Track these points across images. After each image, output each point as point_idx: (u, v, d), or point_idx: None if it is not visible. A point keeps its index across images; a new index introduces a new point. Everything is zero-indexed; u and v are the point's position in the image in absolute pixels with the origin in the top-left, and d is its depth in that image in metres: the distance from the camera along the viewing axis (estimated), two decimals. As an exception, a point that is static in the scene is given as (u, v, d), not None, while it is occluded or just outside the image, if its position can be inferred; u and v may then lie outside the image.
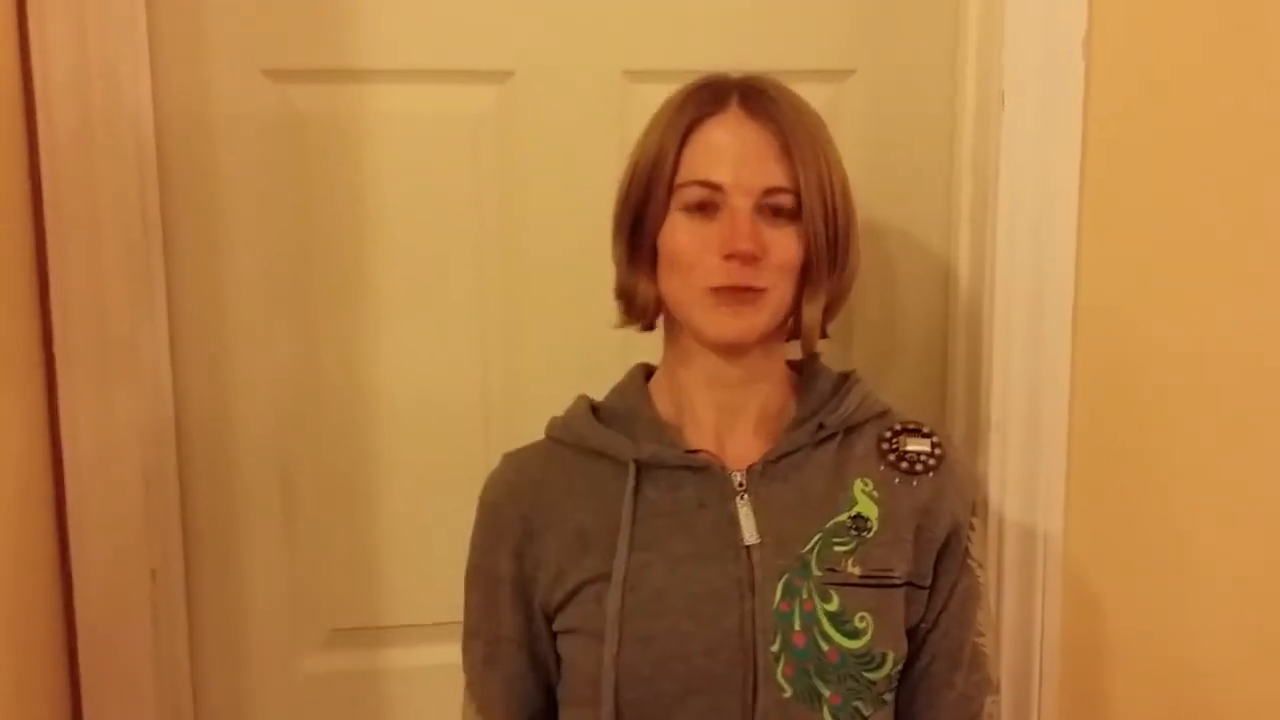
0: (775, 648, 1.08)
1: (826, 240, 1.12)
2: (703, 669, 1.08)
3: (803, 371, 1.22)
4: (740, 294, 1.09)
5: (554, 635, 1.17)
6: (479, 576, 1.19)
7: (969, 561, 1.16)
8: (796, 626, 1.08)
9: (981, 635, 1.16)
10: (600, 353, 1.36)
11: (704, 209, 1.10)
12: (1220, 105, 1.39)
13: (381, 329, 1.41)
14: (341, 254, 1.40)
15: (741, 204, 1.09)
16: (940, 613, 1.15)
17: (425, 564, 1.43)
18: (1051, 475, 1.41)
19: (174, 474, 1.37)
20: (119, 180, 1.28)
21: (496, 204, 1.41)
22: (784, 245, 1.11)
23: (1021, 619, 1.43)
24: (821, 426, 1.15)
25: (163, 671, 1.37)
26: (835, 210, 1.13)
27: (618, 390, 1.22)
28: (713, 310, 1.10)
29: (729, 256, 1.08)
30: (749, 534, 1.11)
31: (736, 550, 1.11)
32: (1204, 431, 1.43)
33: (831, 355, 1.46)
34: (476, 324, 1.43)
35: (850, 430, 1.16)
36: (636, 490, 1.13)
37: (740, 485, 1.13)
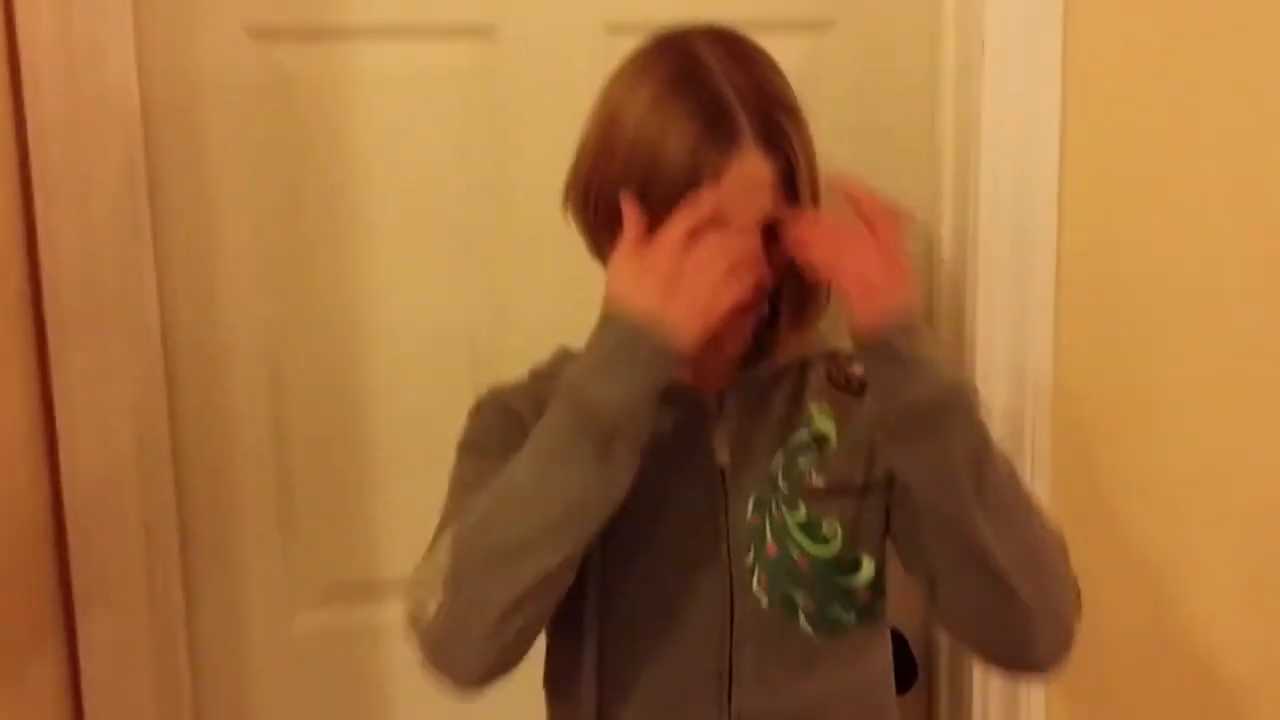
0: (750, 560, 1.13)
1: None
2: (683, 582, 1.14)
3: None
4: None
5: None
6: (475, 449, 1.17)
7: None
8: (768, 538, 1.14)
9: None
10: (586, 304, 1.37)
11: None
12: (1201, 47, 1.39)
13: (371, 283, 1.42)
14: (329, 211, 1.41)
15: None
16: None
17: (420, 516, 1.43)
18: (1037, 428, 1.43)
19: (166, 428, 1.38)
20: (105, 138, 1.29)
21: (482, 157, 1.42)
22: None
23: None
24: (778, 360, 1.18)
25: (158, 627, 1.38)
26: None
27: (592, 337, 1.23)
28: None
29: None
30: (721, 455, 1.15)
31: (710, 471, 1.15)
32: (1195, 376, 1.44)
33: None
34: (465, 276, 1.44)
35: (805, 364, 1.20)
36: None
37: (711, 410, 1.17)
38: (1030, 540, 1.03)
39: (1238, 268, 1.42)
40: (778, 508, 1.14)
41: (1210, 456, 1.45)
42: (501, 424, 1.17)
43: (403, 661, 1.45)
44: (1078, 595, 1.09)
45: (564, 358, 1.22)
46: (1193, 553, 1.47)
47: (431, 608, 1.02)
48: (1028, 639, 1.04)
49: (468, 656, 1.03)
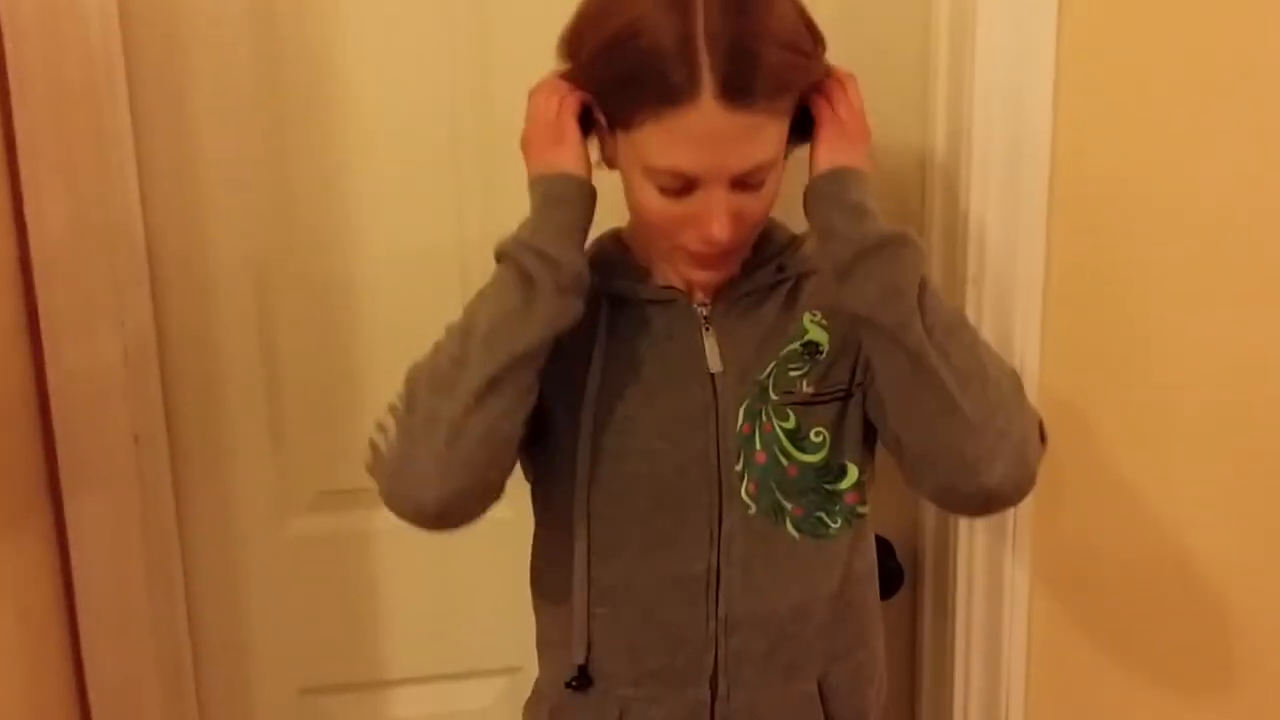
0: (739, 467, 1.15)
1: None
2: (673, 486, 1.15)
3: (771, 224, 1.22)
4: (717, 258, 1.12)
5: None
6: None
7: None
8: (758, 446, 1.15)
9: None
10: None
11: (678, 190, 1.07)
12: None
13: (358, 192, 1.41)
14: (313, 119, 1.38)
15: (718, 191, 1.05)
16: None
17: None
18: (1027, 329, 1.42)
19: (152, 337, 1.38)
20: (84, 51, 1.27)
21: (468, 57, 1.39)
22: (757, 205, 1.10)
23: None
24: (781, 269, 1.19)
25: (150, 536, 1.39)
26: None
27: (594, 240, 1.22)
28: (688, 265, 1.13)
29: (707, 242, 1.08)
30: (713, 363, 1.16)
31: (702, 378, 1.16)
32: (1181, 284, 1.43)
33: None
34: (453, 183, 1.42)
35: (803, 276, 1.19)
36: (610, 323, 1.17)
37: (705, 318, 1.17)
38: (974, 363, 1.07)
39: (1238, 161, 1.41)
40: (767, 416, 1.15)
41: (1208, 349, 1.45)
42: None
43: (394, 566, 1.48)
44: (1039, 429, 1.11)
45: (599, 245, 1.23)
46: (1185, 443, 1.48)
47: (387, 442, 1.07)
48: (977, 460, 1.04)
49: (423, 480, 1.05)
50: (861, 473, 1.19)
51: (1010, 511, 1.45)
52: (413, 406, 1.07)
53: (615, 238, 1.23)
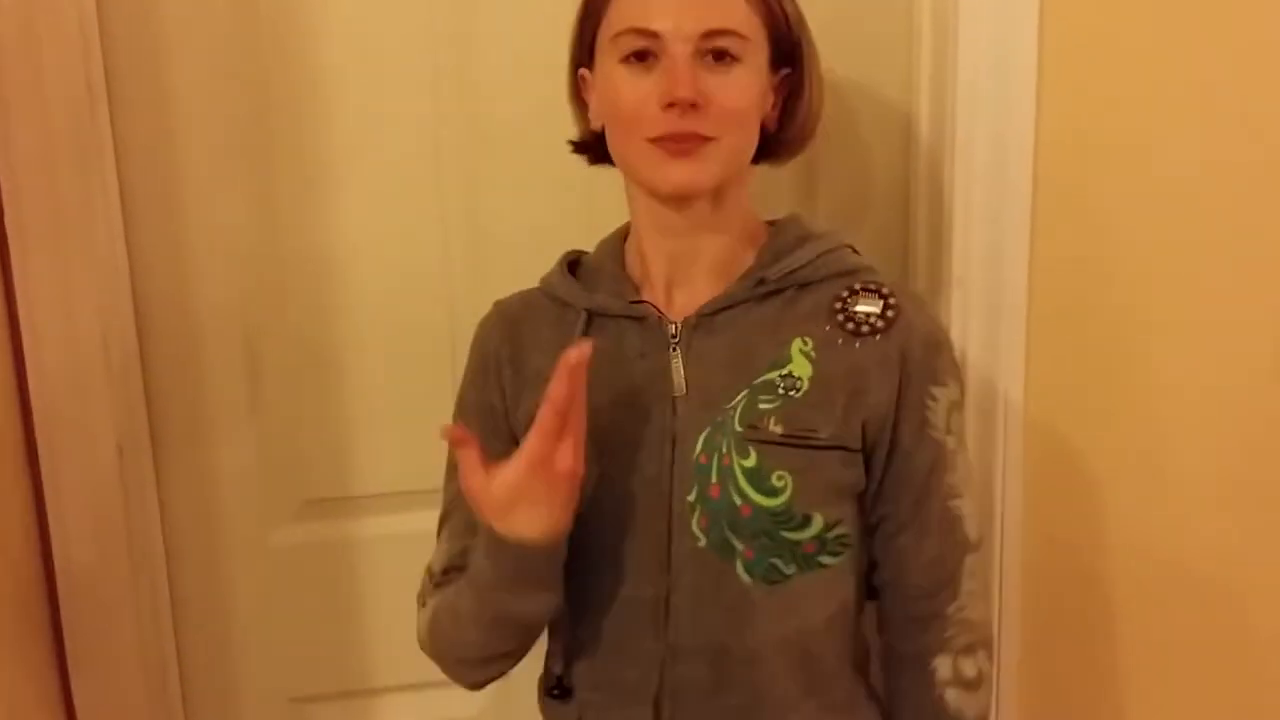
0: (691, 498, 1.10)
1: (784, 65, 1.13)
2: (625, 511, 1.13)
3: (777, 229, 1.20)
4: (682, 142, 1.06)
5: None
6: (464, 406, 1.23)
7: (929, 432, 1.12)
8: (713, 479, 1.10)
9: (957, 497, 1.14)
10: (564, 211, 1.36)
11: (643, 58, 1.07)
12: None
13: (339, 192, 1.40)
14: (294, 117, 1.38)
15: (680, 50, 1.05)
16: (901, 485, 1.13)
17: (394, 432, 1.44)
18: (1013, 329, 1.42)
19: (135, 347, 1.37)
20: (63, 42, 1.26)
21: (452, 64, 1.39)
22: (730, 90, 1.07)
23: (983, 473, 1.44)
24: (762, 281, 1.13)
25: (135, 547, 1.38)
26: (788, 38, 1.12)
27: (600, 243, 1.24)
28: (657, 162, 1.08)
29: (668, 106, 1.05)
30: (678, 385, 1.13)
31: (665, 400, 1.13)
32: (1167, 278, 1.43)
33: (791, 207, 1.47)
34: (435, 187, 1.42)
35: (805, 287, 1.14)
36: (585, 337, 1.15)
37: (674, 337, 1.14)
38: None
39: (1223, 158, 1.41)
40: (727, 449, 1.10)
41: (1192, 346, 1.45)
42: (482, 367, 1.22)
43: (379, 574, 1.48)
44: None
45: (562, 260, 1.23)
46: (1171, 438, 1.48)
47: (427, 652, 1.21)
48: None
49: (469, 685, 1.22)
50: (830, 525, 1.11)
51: (999, 507, 1.45)
52: (438, 661, 1.20)
53: (617, 243, 1.21)
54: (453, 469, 1.20)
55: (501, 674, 1.18)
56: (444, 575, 1.19)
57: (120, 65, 1.32)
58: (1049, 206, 1.39)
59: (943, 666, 1.13)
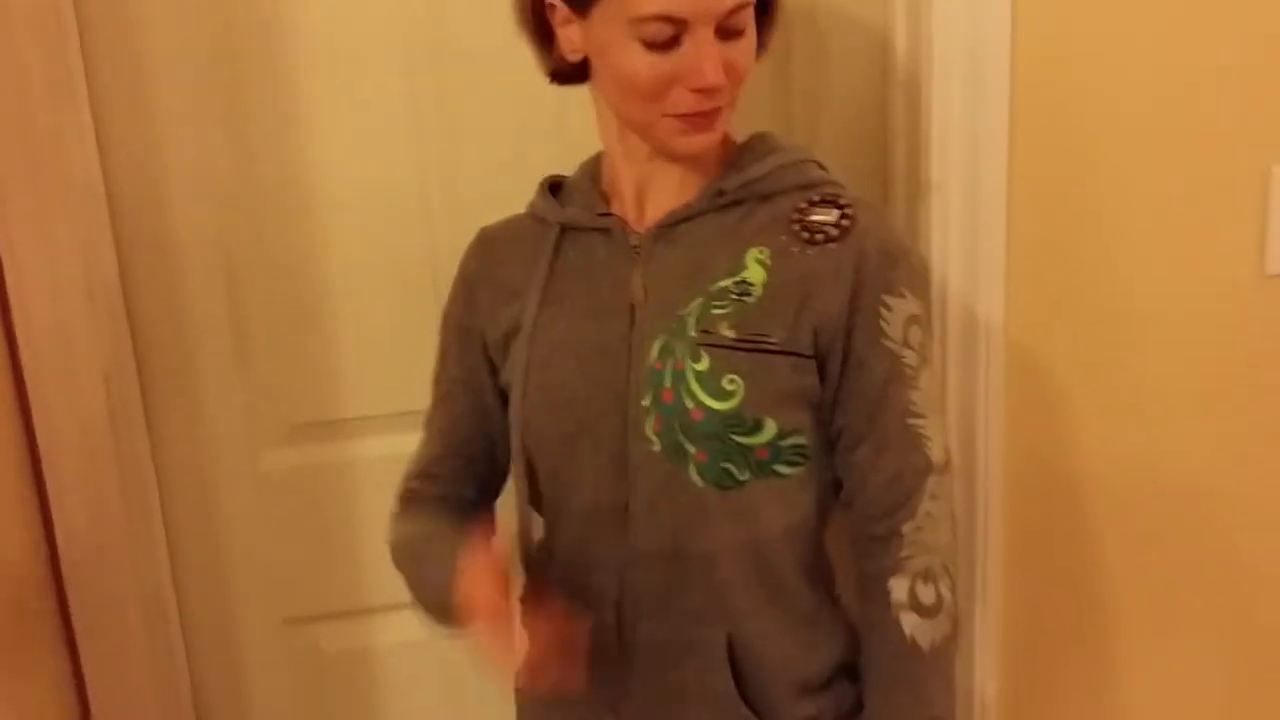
0: (646, 402, 1.12)
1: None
2: (584, 417, 1.15)
3: (745, 146, 1.20)
4: (707, 116, 1.09)
5: (500, 392, 1.23)
6: (445, 322, 1.27)
7: (883, 342, 1.12)
8: (666, 384, 1.11)
9: (919, 416, 1.14)
10: (538, 134, 1.36)
11: (666, 42, 1.06)
12: None
13: (315, 120, 1.40)
14: (268, 48, 1.37)
15: (705, 34, 1.05)
16: (856, 396, 1.13)
17: (379, 355, 1.45)
18: (992, 232, 1.41)
19: (116, 279, 1.38)
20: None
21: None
22: (742, 56, 1.09)
23: (965, 379, 1.45)
24: (721, 193, 1.15)
25: (126, 474, 1.40)
26: None
27: (581, 164, 1.25)
28: (677, 133, 1.10)
29: (697, 90, 1.06)
30: (636, 293, 1.15)
31: (624, 309, 1.15)
32: (1143, 184, 1.44)
33: (768, 121, 1.46)
34: (410, 113, 1.41)
35: (765, 200, 1.15)
36: (557, 250, 1.18)
37: (636, 247, 1.16)
38: None
39: (1202, 67, 1.41)
40: (681, 354, 1.11)
41: (1170, 248, 1.46)
42: (463, 285, 1.26)
43: (368, 496, 1.49)
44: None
45: (544, 180, 1.25)
46: (1151, 346, 1.49)
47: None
48: None
49: None
50: (785, 433, 1.12)
51: (981, 413, 1.46)
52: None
53: (595, 161, 1.23)
54: (436, 377, 1.27)
55: None
56: (410, 486, 1.26)
57: (93, 11, 1.31)
58: (1026, 112, 1.39)
59: (898, 588, 1.12)
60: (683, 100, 1.07)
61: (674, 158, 1.14)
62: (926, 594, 1.12)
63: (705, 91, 1.06)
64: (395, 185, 1.43)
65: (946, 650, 1.13)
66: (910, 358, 1.13)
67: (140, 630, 1.43)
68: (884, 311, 1.12)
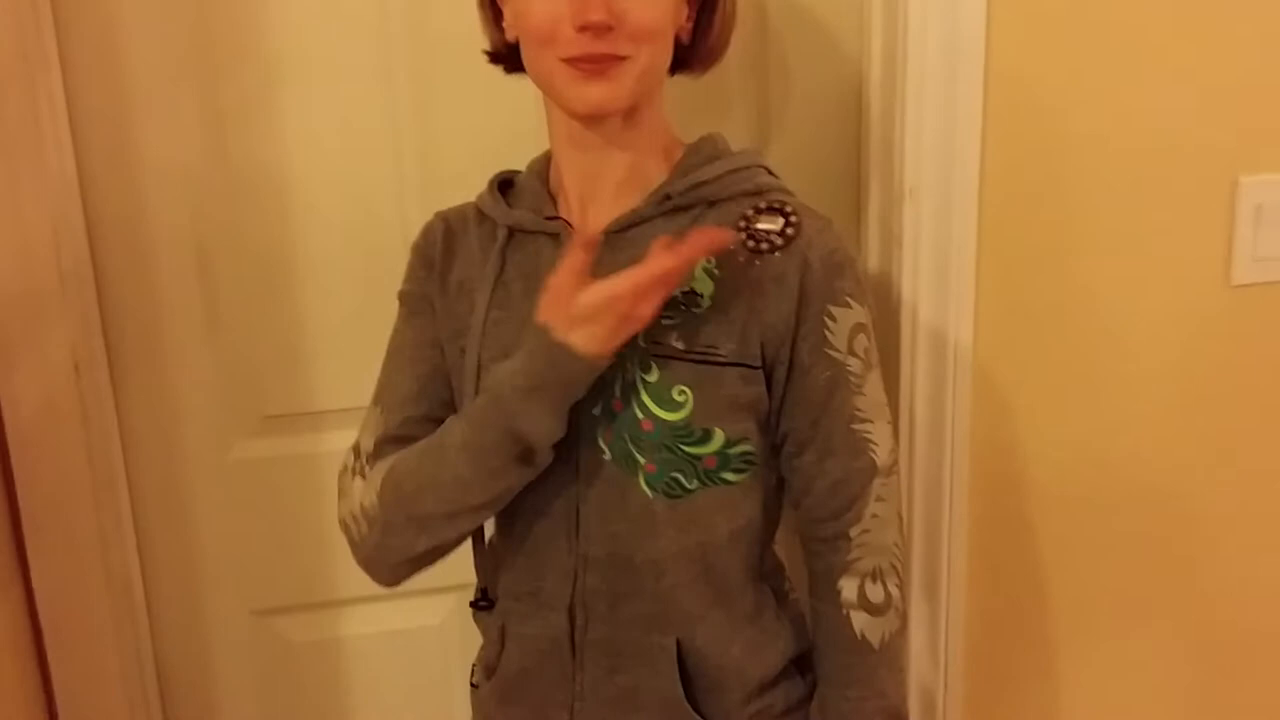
0: (596, 411, 1.12)
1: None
2: None
3: (692, 148, 1.19)
4: (597, 63, 1.06)
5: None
6: (405, 299, 1.23)
7: (827, 351, 1.12)
8: (616, 394, 1.11)
9: (864, 421, 1.14)
10: (515, 124, 1.36)
11: None
12: None
13: (289, 106, 1.39)
14: (242, 29, 1.36)
15: None
16: (800, 403, 1.14)
17: (351, 346, 1.45)
18: (964, 239, 1.43)
19: (88, 264, 1.37)
20: None
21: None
22: (643, 8, 1.06)
23: (933, 382, 1.47)
24: (668, 198, 1.14)
25: (96, 465, 1.39)
26: None
27: (531, 162, 1.24)
28: (571, 82, 1.07)
29: (581, 28, 1.04)
30: None
31: None
32: (1114, 193, 1.45)
33: (744, 125, 1.47)
34: (386, 100, 1.41)
35: (713, 205, 1.15)
36: (505, 252, 1.17)
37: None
38: None
39: (1166, 73, 1.42)
40: (631, 365, 1.11)
41: (1137, 256, 1.48)
42: (422, 261, 1.23)
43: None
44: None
45: (493, 178, 1.23)
46: (1118, 351, 1.51)
47: (360, 536, 1.17)
48: None
49: (390, 577, 1.19)
50: (733, 442, 1.13)
51: (948, 416, 1.47)
52: (387, 531, 1.14)
53: (544, 160, 1.22)
54: (393, 353, 1.22)
55: (440, 554, 1.17)
56: (378, 449, 1.18)
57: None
58: (998, 120, 1.40)
59: (848, 588, 1.14)
60: (572, 41, 1.05)
61: (580, 118, 1.12)
62: (875, 593, 1.14)
63: (589, 29, 1.04)
64: (371, 176, 1.43)
65: (896, 644, 1.16)
66: (855, 365, 1.13)
67: (107, 620, 1.42)
68: (829, 322, 1.12)
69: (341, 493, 1.19)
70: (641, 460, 1.12)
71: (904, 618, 1.17)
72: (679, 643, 1.16)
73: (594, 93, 1.07)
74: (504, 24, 1.15)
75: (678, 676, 1.15)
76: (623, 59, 1.07)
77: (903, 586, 1.16)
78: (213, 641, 1.54)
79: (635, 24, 1.06)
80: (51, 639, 1.41)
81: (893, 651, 1.16)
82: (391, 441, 1.18)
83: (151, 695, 1.51)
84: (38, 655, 1.41)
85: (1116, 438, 1.53)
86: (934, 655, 1.56)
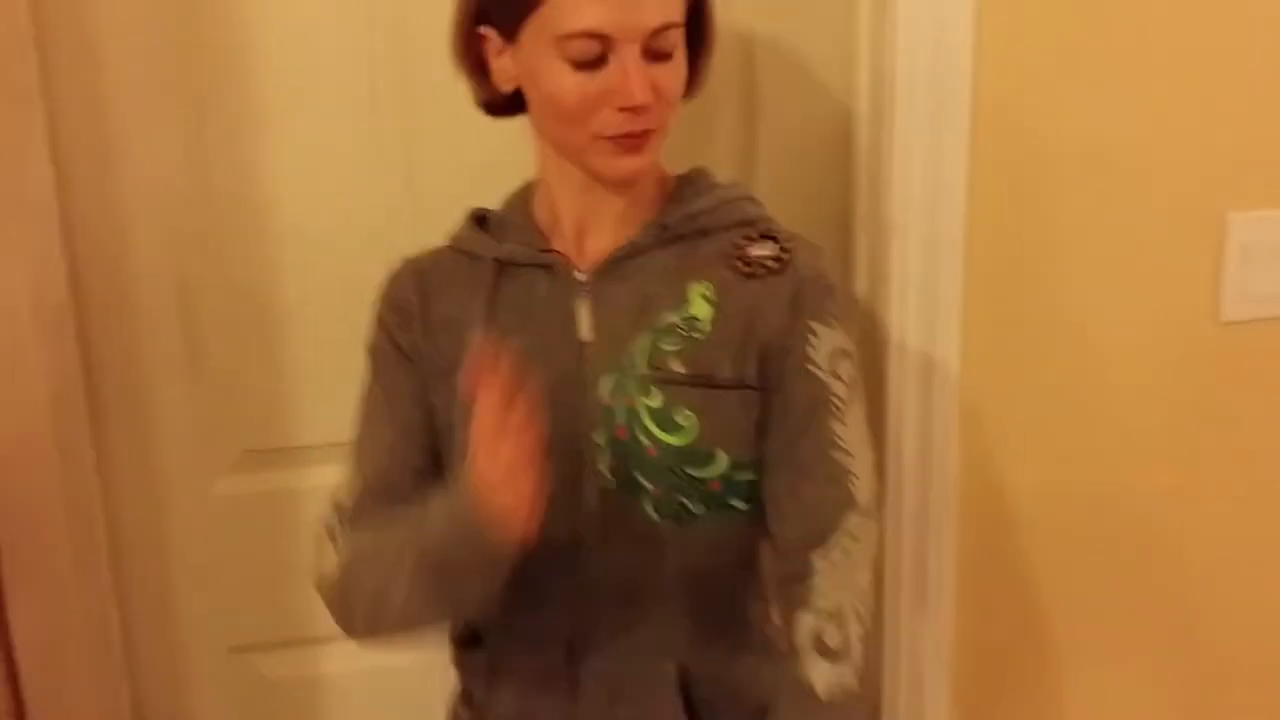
0: (600, 440, 1.12)
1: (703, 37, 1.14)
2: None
3: (683, 180, 1.21)
4: (636, 139, 1.08)
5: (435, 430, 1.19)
6: (374, 352, 1.21)
7: (810, 369, 1.12)
8: (619, 420, 1.11)
9: (844, 452, 1.12)
10: (501, 156, 1.35)
11: (595, 62, 1.06)
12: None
13: (274, 140, 1.39)
14: (227, 63, 1.36)
15: (631, 53, 1.05)
16: (780, 421, 1.13)
17: (334, 381, 1.43)
18: (951, 274, 1.43)
19: (68, 298, 1.36)
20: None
21: (387, 7, 1.38)
22: (671, 78, 1.08)
23: (919, 417, 1.46)
24: (665, 228, 1.15)
25: (74, 499, 1.38)
26: (703, 7, 1.14)
27: (507, 197, 1.24)
28: (607, 155, 1.09)
29: (625, 110, 1.06)
30: (585, 331, 1.14)
31: (573, 346, 1.14)
32: (1101, 229, 1.45)
33: (732, 158, 1.46)
34: (371, 133, 1.41)
35: (704, 235, 1.16)
36: (496, 286, 1.17)
37: (583, 284, 1.15)
38: None
39: (1156, 108, 1.43)
40: (633, 391, 1.11)
41: (1125, 290, 1.48)
42: (392, 310, 1.21)
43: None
44: None
45: (470, 215, 1.23)
46: (1104, 384, 1.51)
47: (329, 600, 1.14)
48: None
49: (363, 641, 1.17)
50: (736, 466, 1.12)
51: (936, 450, 1.47)
52: (349, 613, 1.12)
53: (525, 196, 1.22)
54: (366, 410, 1.21)
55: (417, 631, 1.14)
56: (358, 507, 1.15)
57: (49, 10, 1.30)
58: (985, 155, 1.40)
59: (804, 624, 1.09)
60: (611, 121, 1.07)
61: (607, 183, 1.14)
62: (832, 635, 1.08)
63: (633, 111, 1.06)
64: (356, 208, 1.42)
65: (846, 706, 1.07)
66: (838, 388, 1.12)
67: (84, 657, 1.41)
68: (811, 338, 1.12)
69: (318, 549, 1.16)
70: (648, 486, 1.12)
71: (859, 677, 1.08)
72: (680, 670, 1.15)
73: (628, 165, 1.10)
74: (494, 77, 1.14)
75: (681, 704, 1.14)
76: (655, 129, 1.09)
77: (865, 641, 1.09)
78: (191, 678, 1.52)
79: (669, 95, 1.09)
80: (28, 677, 1.39)
81: (841, 712, 1.07)
82: (370, 497, 1.16)
83: (128, 732, 1.49)
84: (14, 694, 1.39)
85: (1104, 471, 1.53)
86: (920, 687, 1.54)
